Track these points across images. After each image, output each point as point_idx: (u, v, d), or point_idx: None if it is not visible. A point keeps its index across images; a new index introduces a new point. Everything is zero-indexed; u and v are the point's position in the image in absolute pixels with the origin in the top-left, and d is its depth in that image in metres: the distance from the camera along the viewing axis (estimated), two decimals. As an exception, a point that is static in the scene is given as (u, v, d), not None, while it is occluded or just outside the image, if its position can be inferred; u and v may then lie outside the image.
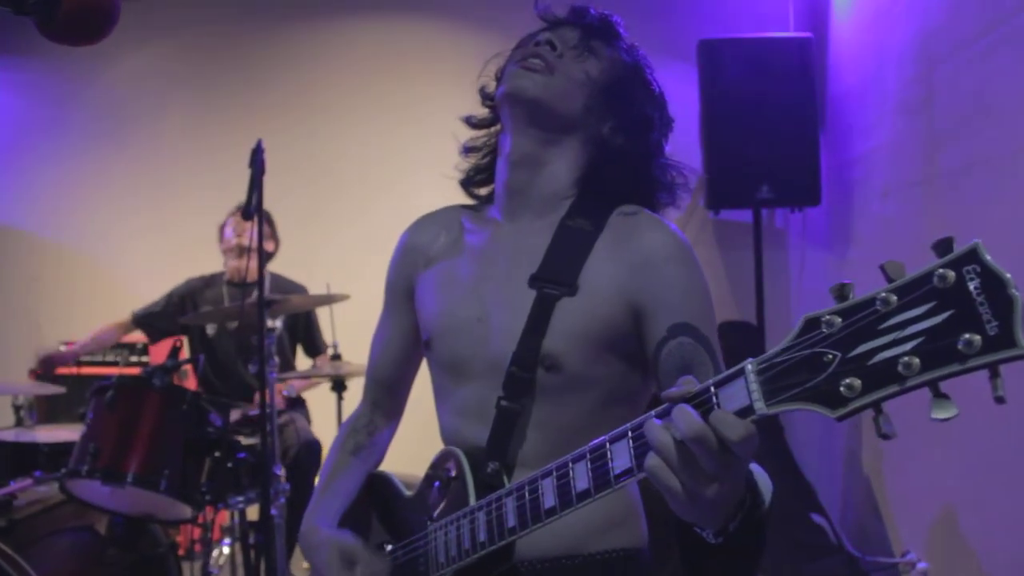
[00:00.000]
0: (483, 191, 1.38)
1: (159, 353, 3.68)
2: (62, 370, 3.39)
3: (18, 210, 4.63)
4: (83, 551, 2.61)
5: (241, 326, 3.21)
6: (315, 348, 3.73)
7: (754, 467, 0.93)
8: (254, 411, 2.96)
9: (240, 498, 2.69)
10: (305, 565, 1.34)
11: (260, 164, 2.41)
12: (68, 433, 2.97)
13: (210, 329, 3.55)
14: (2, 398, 3.60)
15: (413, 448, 1.80)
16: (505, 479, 1.15)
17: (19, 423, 3.08)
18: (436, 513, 1.19)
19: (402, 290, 1.38)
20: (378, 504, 1.37)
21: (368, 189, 4.33)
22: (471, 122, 1.38)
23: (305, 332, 3.70)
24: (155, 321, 3.53)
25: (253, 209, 2.44)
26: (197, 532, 3.04)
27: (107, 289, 4.47)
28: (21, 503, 2.52)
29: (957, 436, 2.60)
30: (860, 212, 3.49)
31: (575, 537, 1.16)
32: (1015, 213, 2.29)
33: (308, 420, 3.62)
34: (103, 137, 4.57)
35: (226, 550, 3.07)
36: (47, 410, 3.55)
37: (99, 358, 3.86)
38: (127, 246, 4.53)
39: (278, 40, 4.52)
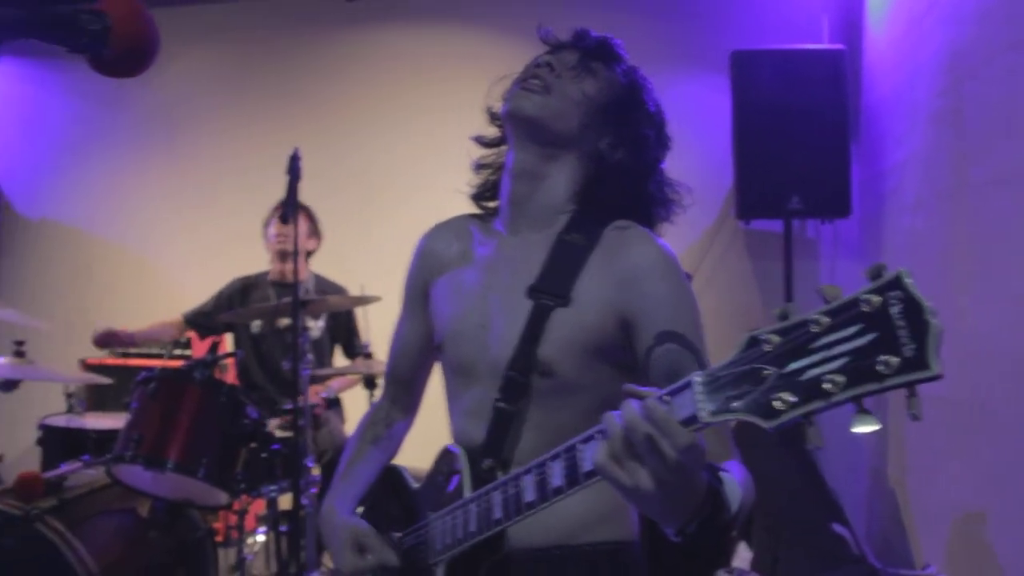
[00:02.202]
0: (492, 205, 1.47)
1: (202, 347, 3.84)
2: (110, 360, 3.54)
3: (69, 206, 4.84)
4: (127, 532, 2.73)
5: (287, 325, 3.33)
6: (353, 350, 3.79)
7: (733, 476, 0.99)
8: (288, 406, 3.08)
9: (273, 487, 2.81)
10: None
11: (296, 171, 2.52)
12: (114, 421, 3.13)
13: (255, 327, 3.68)
14: (55, 386, 3.79)
15: (430, 446, 1.89)
16: (499, 475, 1.22)
17: (70, 410, 3.24)
18: (437, 504, 1.28)
19: (419, 294, 1.47)
20: (390, 494, 1.46)
21: (400, 193, 4.41)
22: (482, 141, 1.47)
23: (345, 334, 3.78)
24: (205, 320, 3.67)
25: (290, 214, 2.57)
26: (233, 519, 3.18)
27: (152, 282, 4.64)
28: (71, 484, 2.66)
29: (980, 450, 2.60)
30: (891, 224, 3.48)
31: (565, 529, 1.24)
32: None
33: (343, 420, 3.73)
34: (149, 138, 4.75)
35: (261, 538, 3.20)
36: (95, 399, 3.71)
37: (144, 350, 4.04)
38: (170, 242, 4.70)
39: (315, 49, 4.67)
